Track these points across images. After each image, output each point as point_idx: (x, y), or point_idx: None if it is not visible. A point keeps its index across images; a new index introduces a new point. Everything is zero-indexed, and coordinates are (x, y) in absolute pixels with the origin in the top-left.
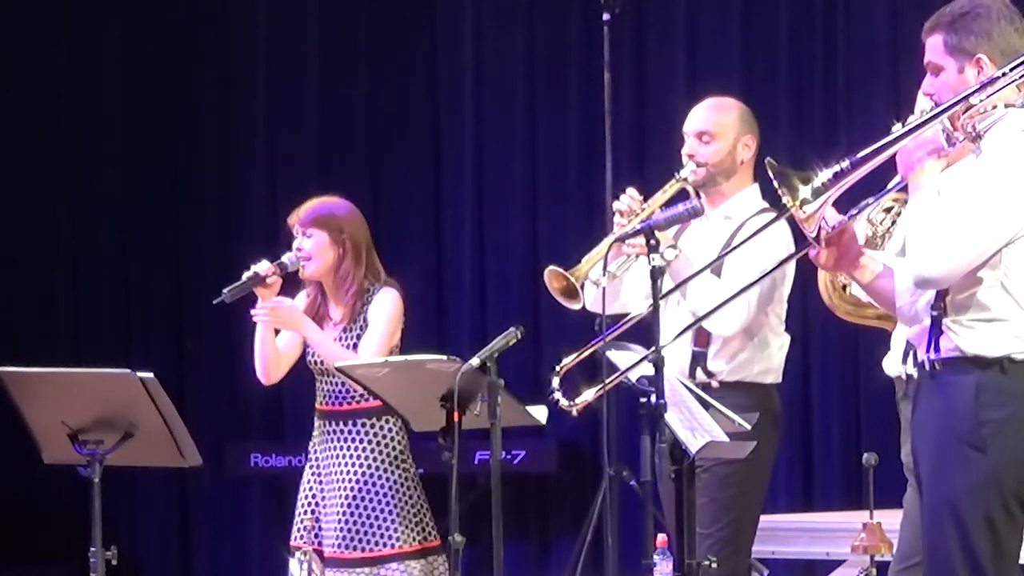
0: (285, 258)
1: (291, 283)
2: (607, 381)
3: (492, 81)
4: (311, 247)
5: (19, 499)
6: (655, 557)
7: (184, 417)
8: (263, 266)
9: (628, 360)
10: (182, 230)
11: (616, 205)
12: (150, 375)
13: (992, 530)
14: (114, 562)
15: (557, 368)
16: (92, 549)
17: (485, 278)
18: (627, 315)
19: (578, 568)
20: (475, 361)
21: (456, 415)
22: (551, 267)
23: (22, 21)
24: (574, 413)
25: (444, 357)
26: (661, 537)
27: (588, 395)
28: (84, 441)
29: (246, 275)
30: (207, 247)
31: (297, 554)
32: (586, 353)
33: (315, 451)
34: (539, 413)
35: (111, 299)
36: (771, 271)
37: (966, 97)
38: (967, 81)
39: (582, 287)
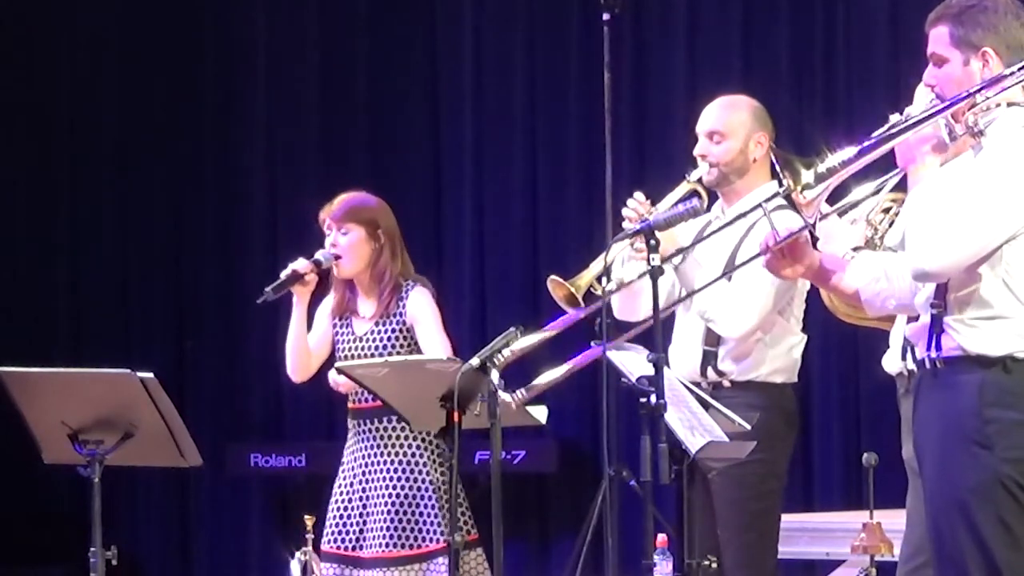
0: (320, 255)
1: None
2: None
3: (492, 81)
4: (347, 244)
5: (19, 499)
6: (655, 557)
7: (184, 417)
8: (301, 264)
9: (629, 360)
10: (182, 230)
11: (624, 212)
12: (150, 375)
13: (1005, 527)
14: (114, 562)
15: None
16: (92, 549)
17: (485, 278)
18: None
19: (578, 568)
20: (475, 361)
21: (456, 415)
22: (552, 277)
23: (23, 21)
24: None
25: (444, 357)
26: (661, 537)
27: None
28: (84, 441)
29: (284, 273)
30: (207, 247)
31: (297, 554)
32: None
33: (350, 452)
34: (539, 413)
35: (111, 299)
36: (752, 259)
37: (972, 94)
38: (972, 74)
39: (584, 295)
